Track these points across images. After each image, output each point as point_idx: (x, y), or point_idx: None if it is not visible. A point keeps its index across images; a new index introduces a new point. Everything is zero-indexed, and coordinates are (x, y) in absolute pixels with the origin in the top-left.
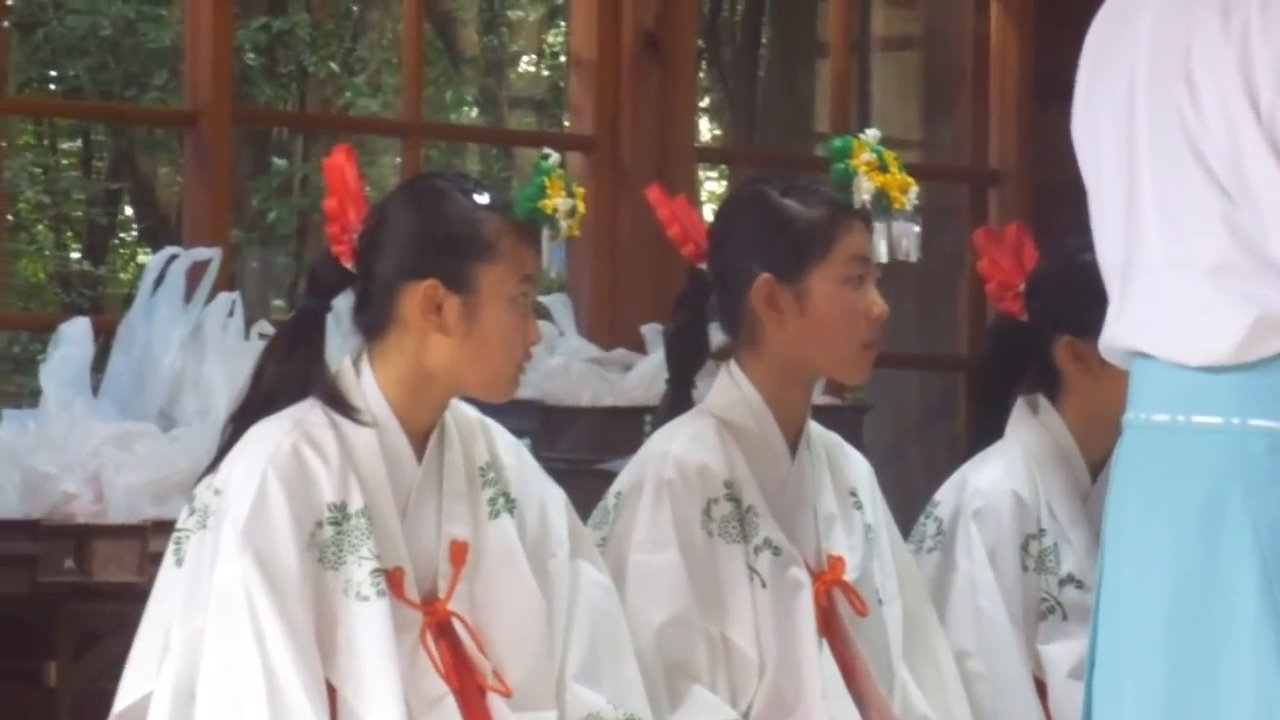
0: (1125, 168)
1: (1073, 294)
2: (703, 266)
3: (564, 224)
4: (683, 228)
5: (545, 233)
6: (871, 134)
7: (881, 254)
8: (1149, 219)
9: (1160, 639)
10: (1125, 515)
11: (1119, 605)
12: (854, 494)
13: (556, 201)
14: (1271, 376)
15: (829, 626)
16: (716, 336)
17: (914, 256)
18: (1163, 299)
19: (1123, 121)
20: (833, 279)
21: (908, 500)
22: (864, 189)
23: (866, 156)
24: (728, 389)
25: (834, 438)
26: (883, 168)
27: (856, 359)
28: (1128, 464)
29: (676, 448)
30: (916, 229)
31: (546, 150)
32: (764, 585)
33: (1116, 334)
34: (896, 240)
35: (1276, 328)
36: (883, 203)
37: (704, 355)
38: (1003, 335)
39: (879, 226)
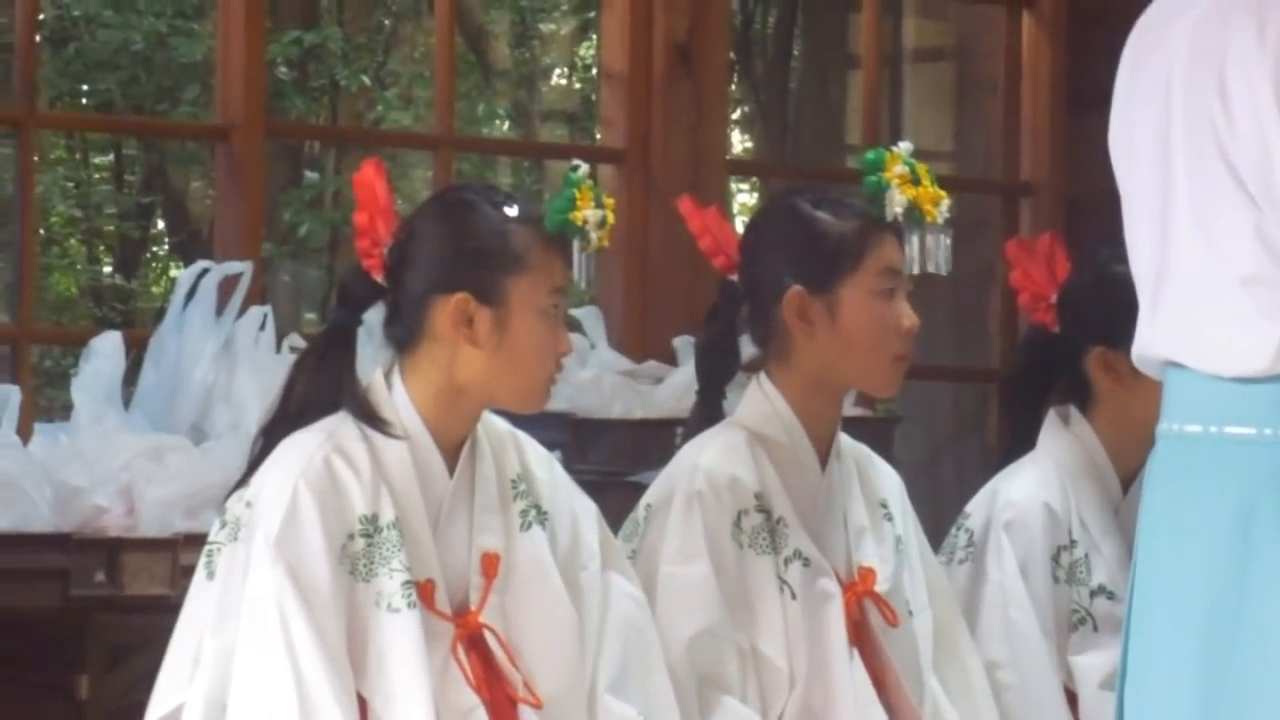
0: (1160, 176)
1: (1105, 305)
2: (734, 278)
3: (594, 235)
4: (714, 239)
5: (576, 244)
6: (905, 147)
7: (913, 266)
8: (1182, 228)
9: (1193, 650)
10: (1158, 526)
11: (1151, 615)
12: (884, 505)
13: (586, 213)
14: None
15: (860, 637)
16: (748, 349)
17: (945, 269)
18: (1195, 309)
19: (1158, 130)
20: (864, 291)
21: (939, 512)
22: (896, 202)
23: (899, 169)
24: (758, 401)
25: (864, 449)
26: (915, 180)
27: (888, 371)
28: (1160, 474)
29: (707, 460)
30: (948, 241)
31: (576, 162)
32: (794, 596)
33: (1150, 343)
34: (928, 253)
35: None
36: (915, 215)
37: (735, 367)
38: (1034, 346)
39: (910, 239)
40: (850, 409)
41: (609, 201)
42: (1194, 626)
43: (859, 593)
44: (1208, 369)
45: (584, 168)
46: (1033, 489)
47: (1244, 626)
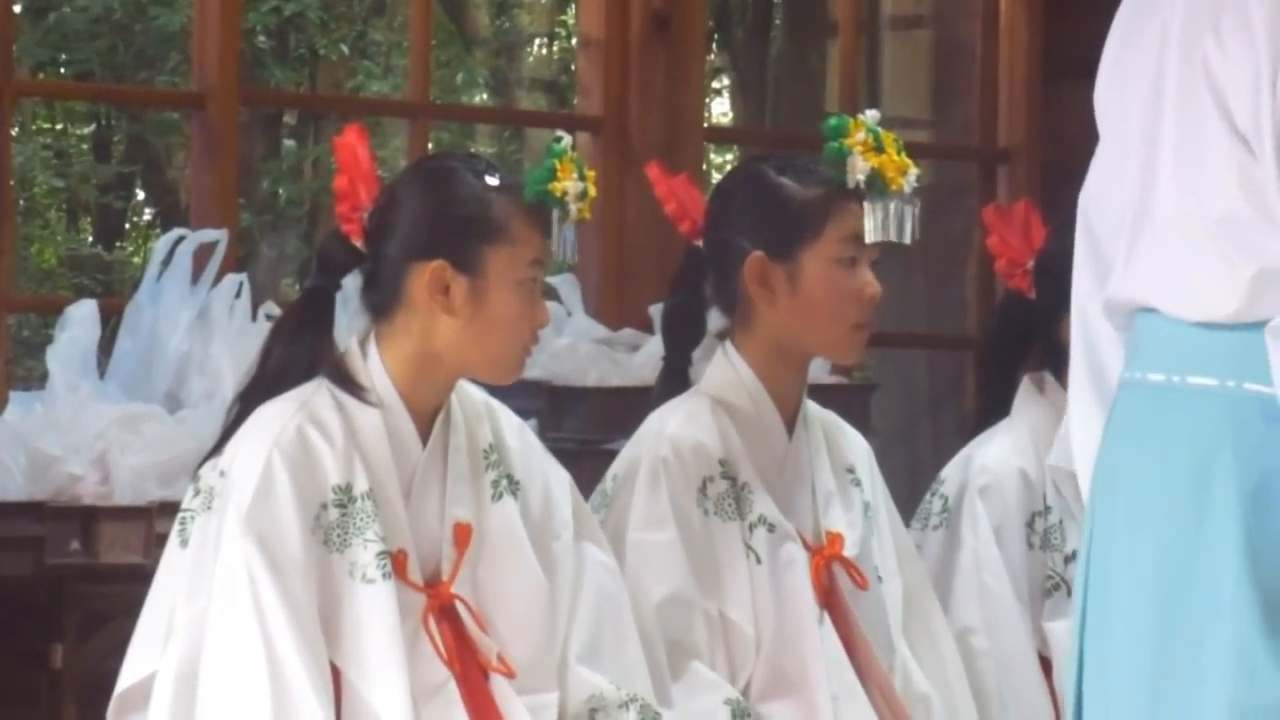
0: (1149, 123)
1: None
2: (699, 244)
3: (574, 207)
4: (680, 204)
5: (555, 215)
6: (871, 115)
7: (872, 235)
8: (1165, 173)
9: (1148, 599)
10: (1117, 476)
11: (1109, 566)
12: (851, 471)
13: (566, 184)
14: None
15: (829, 602)
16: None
17: (910, 239)
18: (1169, 253)
19: (1152, 78)
20: (824, 259)
21: (916, 479)
22: (858, 169)
23: (861, 136)
24: (723, 369)
25: (832, 416)
26: (879, 148)
27: (847, 339)
28: (1121, 424)
29: (671, 427)
30: (914, 211)
31: (559, 133)
32: (760, 562)
33: (1120, 289)
34: (893, 222)
35: (1275, 281)
36: (878, 183)
37: (701, 333)
38: (1010, 312)
39: (871, 207)
40: (826, 376)
41: (590, 174)
42: (1150, 577)
43: (827, 557)
44: (1176, 313)
45: (567, 139)
46: (1007, 455)
47: (1197, 578)
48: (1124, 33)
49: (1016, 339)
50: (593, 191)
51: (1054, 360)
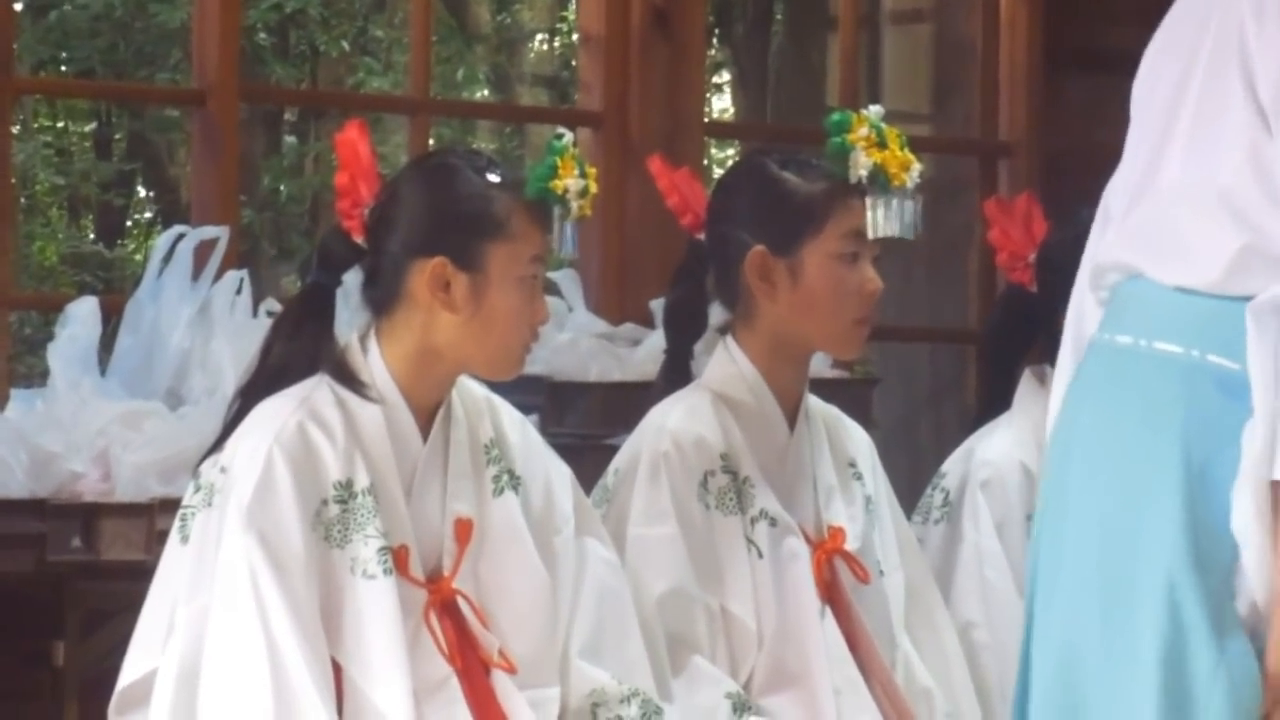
0: (1175, 93)
1: None
2: (701, 238)
3: (575, 204)
4: (682, 197)
5: (556, 213)
6: (875, 110)
7: (874, 230)
8: (1178, 141)
9: (1093, 561)
10: (1074, 435)
11: (1064, 524)
12: (853, 465)
13: (568, 182)
14: (1240, 318)
15: (832, 596)
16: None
17: (912, 234)
18: (1163, 216)
19: (1187, 52)
20: (826, 254)
21: (918, 473)
22: (861, 164)
23: (864, 132)
24: (724, 363)
25: (833, 410)
26: (881, 144)
27: (848, 334)
28: (1084, 383)
29: (672, 422)
30: (916, 206)
31: (561, 130)
32: (761, 556)
33: (1110, 246)
34: (895, 217)
35: (1263, 261)
36: (880, 179)
37: (702, 327)
38: (1012, 306)
39: (874, 203)
40: (828, 371)
41: (591, 171)
42: (1094, 540)
43: (829, 551)
44: (1157, 274)
45: (568, 136)
46: (1009, 449)
47: (1138, 551)
48: (1169, 24)
49: (1018, 332)
50: (594, 188)
51: (1055, 354)
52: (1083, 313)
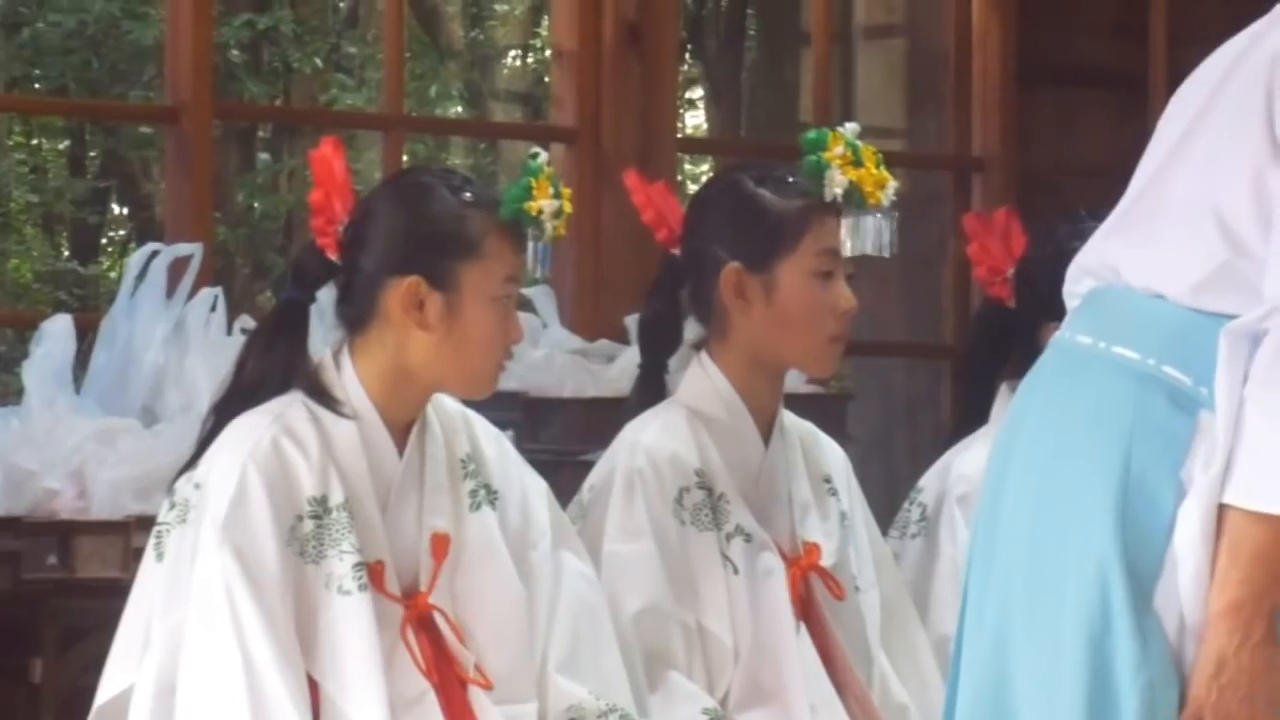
0: (1194, 118)
1: (1061, 281)
2: (677, 253)
3: (549, 225)
4: (658, 212)
5: (530, 232)
6: (850, 128)
7: (850, 249)
8: (1184, 163)
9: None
10: (1022, 426)
11: (999, 510)
12: (828, 481)
13: (543, 203)
14: (1201, 334)
15: (807, 612)
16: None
17: (888, 252)
18: (1153, 220)
19: (1214, 83)
20: (801, 271)
21: (893, 488)
22: (836, 182)
23: (840, 150)
24: (698, 379)
25: (808, 426)
26: (857, 162)
27: (823, 352)
28: (1037, 376)
29: (647, 438)
30: (891, 224)
31: (535, 150)
32: (737, 572)
33: (1092, 247)
34: (871, 236)
35: (1240, 282)
36: (855, 197)
37: (676, 343)
38: (989, 320)
39: (849, 221)
40: (803, 386)
41: (566, 191)
42: (1024, 533)
43: (804, 567)
44: (1131, 275)
45: (543, 155)
46: (985, 463)
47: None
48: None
49: (995, 347)
50: (568, 209)
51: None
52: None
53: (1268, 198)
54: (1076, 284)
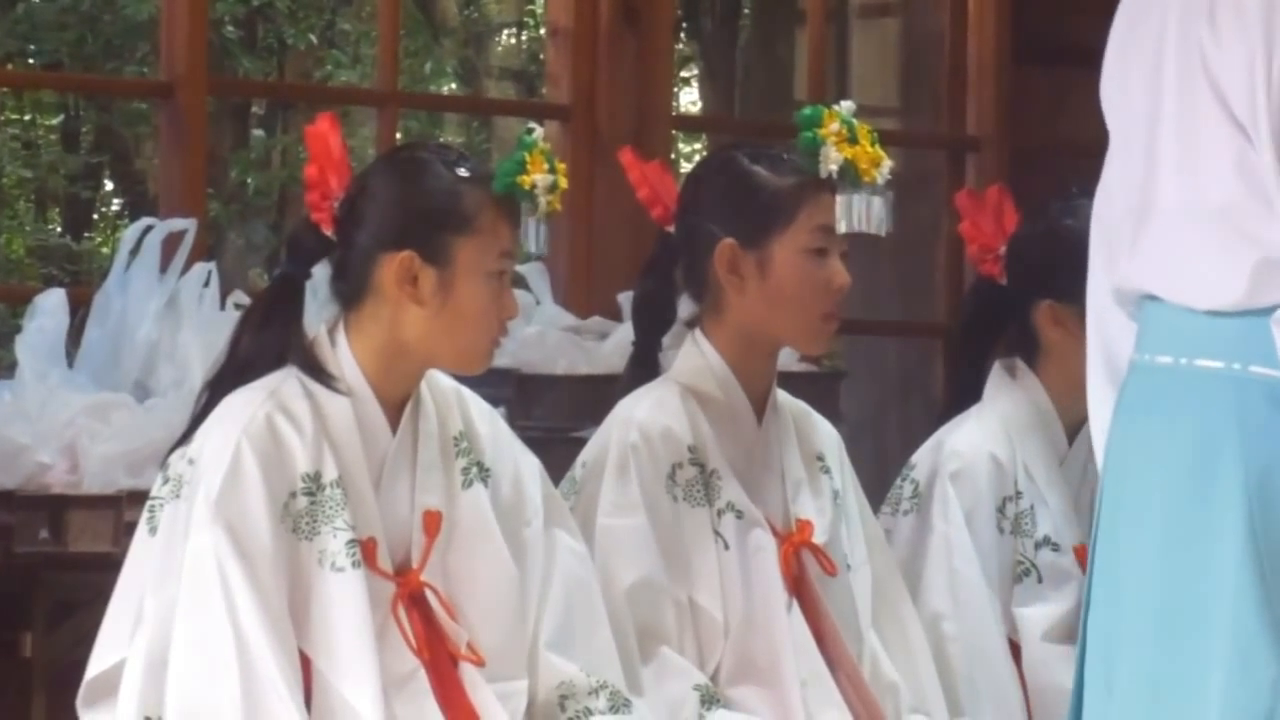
0: (1150, 113)
1: (1054, 258)
2: (671, 230)
3: (543, 200)
4: (653, 190)
5: (524, 208)
6: (846, 106)
7: (844, 226)
8: (1166, 162)
9: (1153, 584)
10: (1126, 459)
11: (1116, 548)
12: (821, 459)
13: (536, 177)
14: (1269, 326)
15: (799, 589)
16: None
17: (883, 230)
18: (1174, 244)
19: (1151, 66)
20: (795, 248)
21: (885, 466)
22: (831, 159)
23: (835, 127)
24: (692, 356)
25: (801, 405)
26: (852, 139)
27: (816, 329)
28: (1129, 405)
29: (640, 414)
30: (886, 203)
31: (530, 125)
32: (728, 547)
33: (1127, 277)
34: (865, 213)
35: (1275, 274)
36: (850, 175)
37: (670, 320)
38: (982, 298)
39: (843, 198)
40: (796, 364)
41: (561, 166)
42: (1154, 556)
43: (796, 544)
44: (1181, 301)
45: (538, 130)
46: (978, 440)
47: (1201, 559)
48: (1125, 25)
49: (988, 325)
50: (563, 184)
51: (1025, 346)
52: (1110, 332)
53: (1260, 181)
54: (1126, 308)
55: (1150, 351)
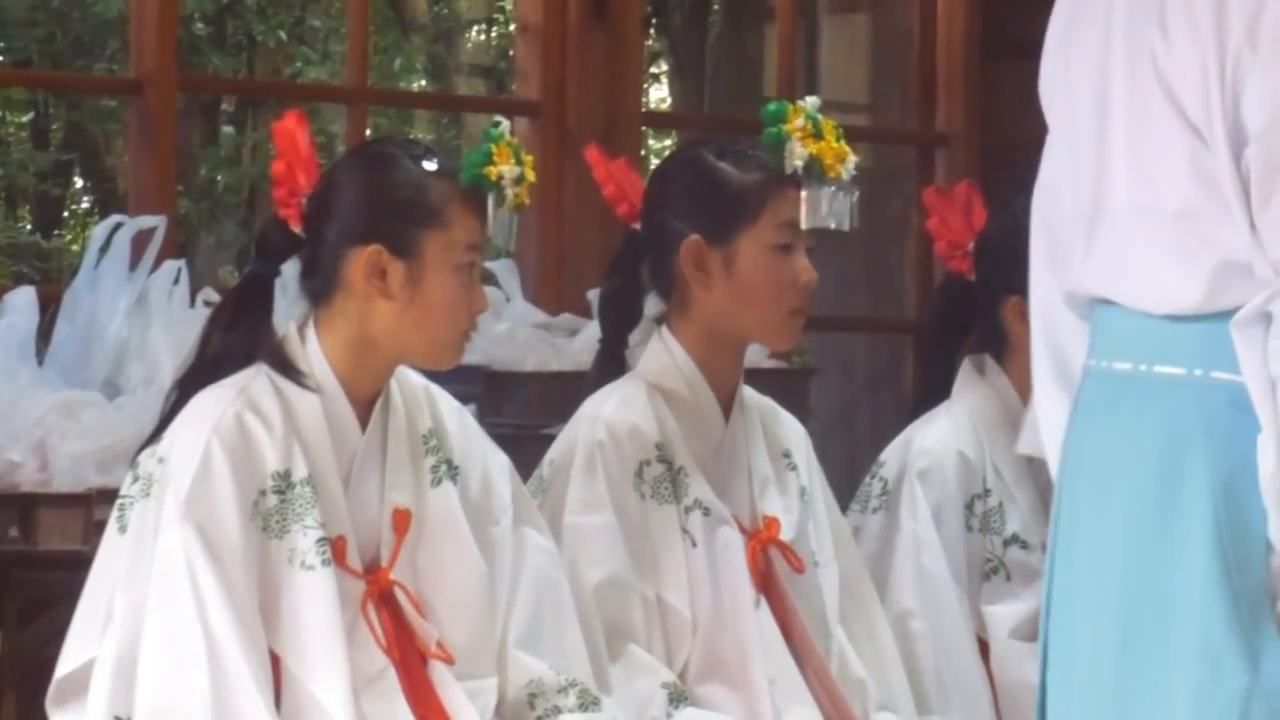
0: (1098, 113)
1: (1022, 255)
2: (638, 227)
3: (510, 192)
4: (619, 187)
5: (491, 200)
6: (811, 101)
7: (809, 222)
8: (1118, 166)
9: (1114, 590)
10: (1084, 464)
11: (1074, 554)
12: (788, 456)
13: (502, 169)
14: (1228, 330)
15: (767, 586)
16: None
17: (847, 226)
18: (1128, 246)
19: (1098, 67)
20: (761, 244)
21: (855, 463)
22: (797, 155)
23: (801, 123)
24: (659, 353)
25: (768, 402)
26: (818, 135)
27: (783, 325)
28: (1087, 412)
29: (608, 411)
30: (852, 199)
31: (497, 118)
32: (695, 545)
33: (1080, 282)
34: (830, 209)
35: (1239, 272)
36: (815, 170)
37: (637, 317)
38: (950, 294)
39: (809, 194)
40: (765, 360)
41: (528, 159)
42: (1117, 566)
43: (764, 541)
44: (1139, 305)
45: (505, 124)
46: (947, 437)
47: (1166, 568)
48: (1066, 20)
49: (957, 321)
50: (530, 176)
51: (994, 343)
52: (1058, 334)
53: (1215, 183)
54: (1077, 311)
55: (1107, 358)
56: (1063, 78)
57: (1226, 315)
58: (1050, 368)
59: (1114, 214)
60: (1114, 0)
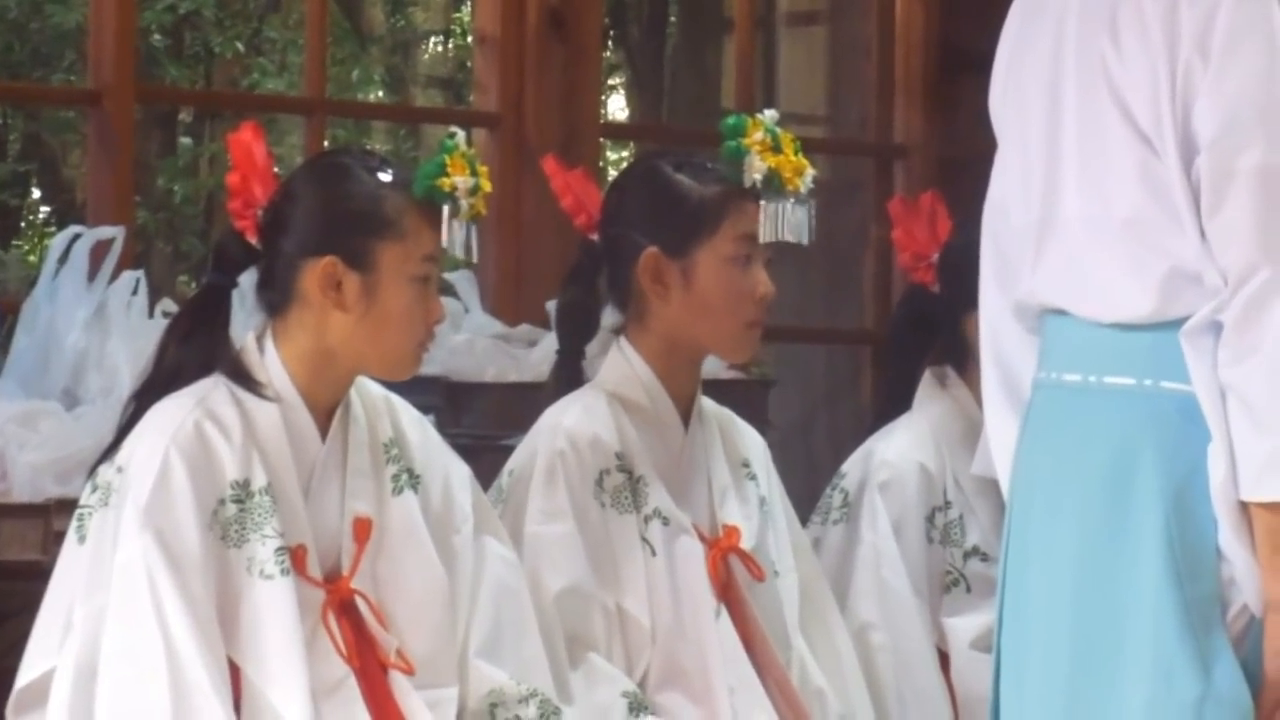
0: (1049, 124)
1: None
2: (595, 238)
3: (465, 203)
4: (576, 198)
5: (446, 211)
6: (769, 114)
7: (767, 235)
8: (1068, 177)
9: (1066, 599)
10: (1035, 475)
11: (1027, 565)
12: (747, 465)
13: (457, 180)
14: (1178, 340)
15: (727, 595)
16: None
17: (805, 239)
18: (1077, 257)
19: (1050, 79)
20: (719, 257)
21: (814, 475)
22: (755, 168)
23: (759, 136)
24: (618, 364)
25: (726, 412)
26: (776, 148)
27: (740, 337)
28: (1038, 424)
29: (568, 421)
30: (809, 211)
31: (453, 129)
32: (654, 554)
33: (1030, 292)
34: (788, 222)
35: (1189, 280)
36: (774, 183)
37: (594, 328)
38: (914, 306)
39: (767, 207)
40: (724, 372)
41: (483, 169)
42: (1069, 575)
43: (724, 549)
44: (1089, 315)
45: (460, 135)
46: (908, 449)
47: (1117, 577)
48: (1016, 37)
49: (920, 333)
50: (486, 187)
51: (956, 355)
52: (1005, 348)
53: (1165, 192)
54: (1025, 323)
55: (1056, 369)
56: (1015, 91)
57: (1176, 325)
58: (998, 384)
59: (1065, 223)
60: (1066, 12)
